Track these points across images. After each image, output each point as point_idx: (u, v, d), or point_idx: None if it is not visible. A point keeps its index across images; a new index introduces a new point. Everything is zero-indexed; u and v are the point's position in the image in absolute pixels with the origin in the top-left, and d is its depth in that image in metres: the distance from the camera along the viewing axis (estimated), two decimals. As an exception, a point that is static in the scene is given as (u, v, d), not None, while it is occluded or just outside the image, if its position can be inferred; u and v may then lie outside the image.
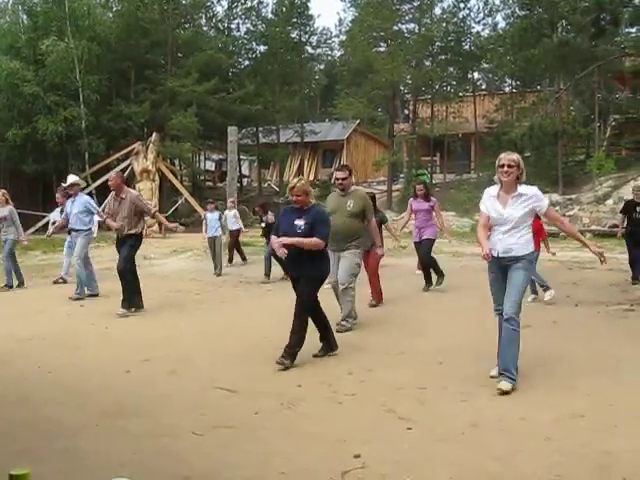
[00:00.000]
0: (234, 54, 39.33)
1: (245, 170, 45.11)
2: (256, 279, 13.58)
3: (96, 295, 11.44)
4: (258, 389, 5.82)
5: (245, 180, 43.53)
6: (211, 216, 15.34)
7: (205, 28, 40.10)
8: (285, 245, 6.68)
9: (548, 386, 5.78)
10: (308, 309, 6.81)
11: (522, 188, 5.81)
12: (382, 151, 41.63)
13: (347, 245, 8.31)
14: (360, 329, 8.37)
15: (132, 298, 9.90)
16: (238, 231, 16.11)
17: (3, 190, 13.19)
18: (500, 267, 5.89)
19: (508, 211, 5.79)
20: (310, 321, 6.85)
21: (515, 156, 5.82)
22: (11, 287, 12.56)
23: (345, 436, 4.65)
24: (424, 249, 11.74)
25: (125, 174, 29.50)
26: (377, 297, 10.26)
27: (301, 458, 4.30)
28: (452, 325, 8.65)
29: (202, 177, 42.73)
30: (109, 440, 4.63)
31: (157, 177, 30.09)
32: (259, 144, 40.37)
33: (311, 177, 42.47)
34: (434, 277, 11.81)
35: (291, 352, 6.56)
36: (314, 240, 6.70)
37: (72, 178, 12.10)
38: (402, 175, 37.54)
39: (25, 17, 32.99)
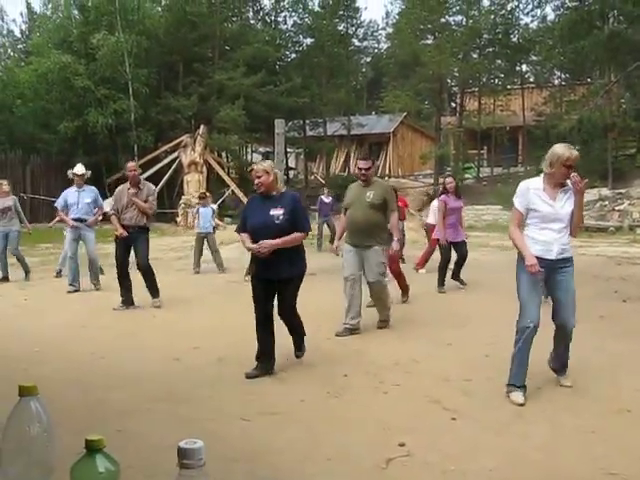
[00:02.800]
0: (281, 47, 39.42)
1: (292, 163, 45.25)
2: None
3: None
4: (304, 377, 5.91)
5: (292, 172, 43.67)
6: (204, 210, 14.44)
7: (252, 21, 40.31)
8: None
9: (594, 380, 5.76)
10: (295, 311, 6.26)
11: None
12: (429, 144, 41.39)
13: (369, 242, 7.61)
14: (405, 321, 8.40)
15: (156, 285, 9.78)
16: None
17: (5, 180, 13.14)
18: (546, 272, 5.24)
19: (559, 205, 5.17)
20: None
21: (576, 152, 5.19)
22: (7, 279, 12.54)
23: (390, 425, 4.71)
24: (465, 250, 11.31)
25: (173, 166, 30.00)
26: (404, 293, 10.02)
27: (346, 445, 4.37)
28: (498, 318, 8.62)
29: (249, 169, 42.99)
30: (159, 423, 4.76)
31: (204, 169, 30.43)
32: (306, 137, 40.45)
33: (357, 170, 42.41)
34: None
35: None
36: (297, 236, 5.97)
37: (82, 168, 11.76)
38: (449, 168, 37.30)
39: (77, 12, 33.58)
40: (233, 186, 30.70)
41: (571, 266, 5.32)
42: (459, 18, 37.08)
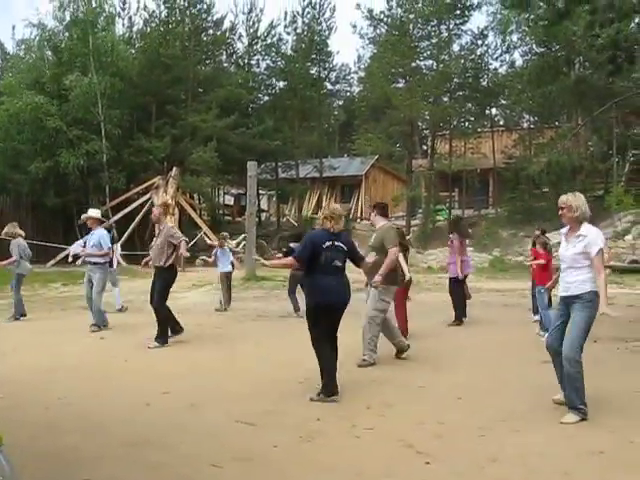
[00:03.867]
0: (254, 90, 39.76)
1: (264, 205, 45.36)
2: (275, 314, 13.65)
3: (105, 327, 11.59)
4: (277, 422, 5.84)
5: (264, 215, 43.75)
6: (221, 251, 15.18)
7: (226, 64, 40.63)
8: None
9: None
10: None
11: (584, 229, 5.93)
12: (400, 186, 41.78)
13: (373, 280, 8.11)
14: (380, 363, 8.36)
15: (165, 332, 9.96)
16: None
17: (15, 223, 13.54)
18: (564, 306, 6.08)
19: (565, 247, 6.08)
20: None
21: (565, 197, 6.04)
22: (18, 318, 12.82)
23: (363, 470, 4.67)
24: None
25: (145, 208, 29.90)
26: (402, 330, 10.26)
27: (320, 491, 4.32)
28: (471, 360, 8.65)
29: (221, 211, 43.03)
30: (128, 470, 4.67)
31: (176, 211, 30.35)
32: (278, 179, 40.64)
33: (329, 212, 42.53)
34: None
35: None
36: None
37: (94, 212, 12.31)
38: (420, 210, 37.62)
39: (50, 53, 33.59)
40: (205, 228, 30.63)
41: (578, 302, 5.90)
42: (430, 62, 37.68)
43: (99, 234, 11.81)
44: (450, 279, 12.18)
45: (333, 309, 6.67)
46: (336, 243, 6.70)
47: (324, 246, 6.62)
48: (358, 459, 4.89)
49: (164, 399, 6.65)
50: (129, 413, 6.15)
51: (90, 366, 8.40)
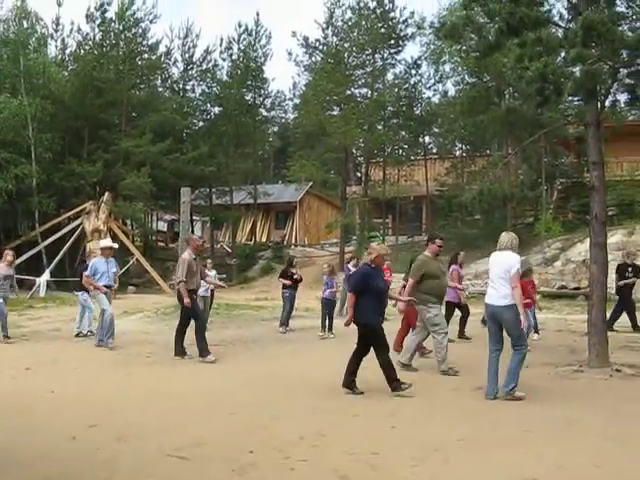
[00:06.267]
0: (189, 115, 39.58)
1: (198, 231, 44.93)
2: (207, 341, 13.41)
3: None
4: (209, 455, 5.70)
5: (197, 241, 43.23)
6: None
7: (160, 89, 40.37)
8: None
9: (500, 449, 5.78)
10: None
11: None
12: (335, 213, 41.97)
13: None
14: (312, 392, 8.29)
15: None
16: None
17: (12, 251, 14.40)
18: None
19: None
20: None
21: None
22: None
23: (297, 503, 4.58)
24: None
25: (76, 233, 29.28)
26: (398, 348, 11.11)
27: (251, 527, 4.21)
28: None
29: (154, 237, 42.48)
30: (52, 510, 4.48)
31: (108, 237, 29.80)
32: (212, 205, 40.36)
33: (264, 239, 42.50)
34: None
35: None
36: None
37: (109, 242, 14.20)
38: (354, 237, 37.81)
39: (-22, 74, 32.81)
40: (137, 254, 30.17)
41: None
42: (364, 91, 38.14)
43: (93, 262, 13.30)
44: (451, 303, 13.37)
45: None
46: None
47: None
48: (291, 492, 4.80)
49: (91, 432, 6.43)
50: (53, 448, 5.90)
51: (12, 398, 8.03)
